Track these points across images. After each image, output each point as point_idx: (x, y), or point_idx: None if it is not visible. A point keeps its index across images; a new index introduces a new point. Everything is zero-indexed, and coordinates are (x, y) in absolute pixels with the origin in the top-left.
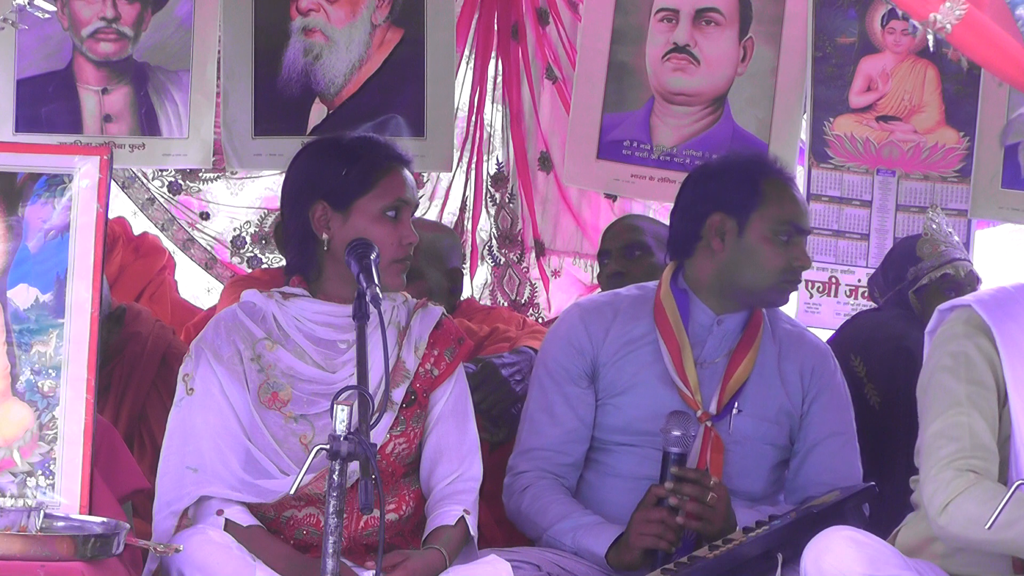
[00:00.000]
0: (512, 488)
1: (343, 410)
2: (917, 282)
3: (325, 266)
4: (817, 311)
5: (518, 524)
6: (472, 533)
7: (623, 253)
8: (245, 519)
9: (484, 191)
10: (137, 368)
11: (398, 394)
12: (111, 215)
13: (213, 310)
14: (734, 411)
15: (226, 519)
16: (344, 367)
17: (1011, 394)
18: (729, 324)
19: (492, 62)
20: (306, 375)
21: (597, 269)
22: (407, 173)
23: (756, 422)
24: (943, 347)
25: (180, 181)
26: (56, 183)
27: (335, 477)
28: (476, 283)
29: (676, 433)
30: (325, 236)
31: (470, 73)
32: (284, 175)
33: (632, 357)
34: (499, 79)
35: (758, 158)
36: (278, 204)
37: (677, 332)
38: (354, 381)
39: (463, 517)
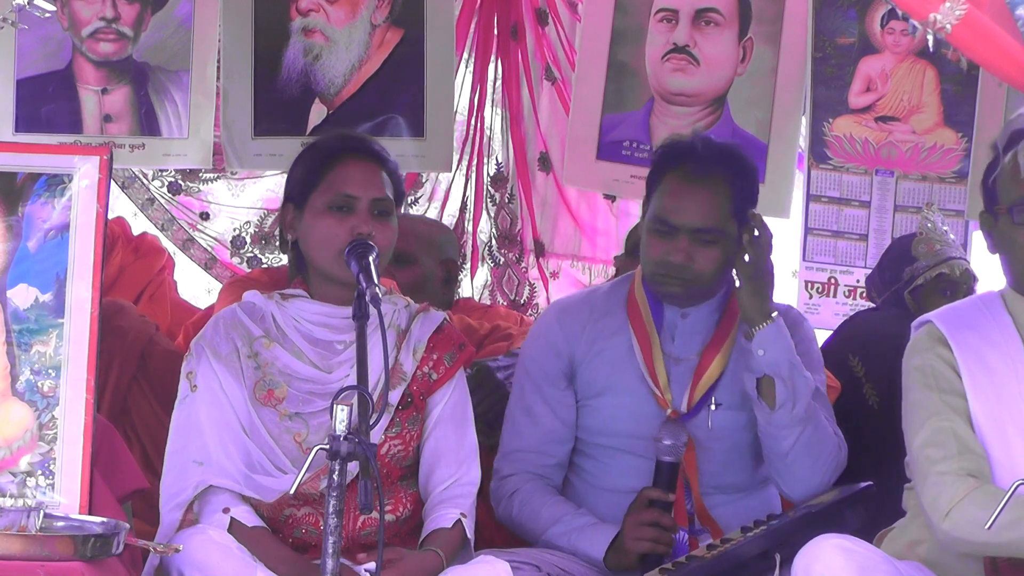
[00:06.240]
0: (499, 494)
1: (343, 410)
2: (913, 282)
3: (309, 267)
4: (816, 311)
5: (512, 529)
6: (469, 536)
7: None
8: (250, 519)
9: (484, 192)
10: (116, 362)
11: (394, 396)
12: (111, 215)
13: (211, 310)
14: (712, 407)
15: (231, 518)
16: (340, 367)
17: (970, 399)
18: (696, 317)
19: (492, 63)
20: (302, 374)
21: (603, 271)
22: (368, 167)
23: (735, 414)
24: (910, 362)
25: (180, 181)
26: (56, 183)
27: (335, 477)
28: (476, 283)
29: (666, 442)
30: (290, 236)
31: (470, 74)
32: None
33: (607, 355)
34: (499, 80)
35: (673, 149)
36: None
37: (648, 327)
38: (350, 382)
39: (460, 520)
